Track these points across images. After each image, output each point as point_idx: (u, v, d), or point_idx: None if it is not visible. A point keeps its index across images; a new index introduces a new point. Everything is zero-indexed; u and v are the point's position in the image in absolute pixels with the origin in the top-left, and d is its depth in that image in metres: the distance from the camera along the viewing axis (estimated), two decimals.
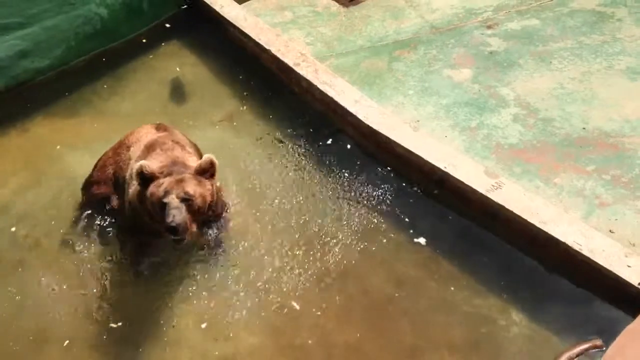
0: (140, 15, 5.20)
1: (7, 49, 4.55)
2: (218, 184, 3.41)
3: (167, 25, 5.30)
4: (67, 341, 3.21)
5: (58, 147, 4.22)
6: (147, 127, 3.68)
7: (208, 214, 3.32)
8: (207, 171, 3.19)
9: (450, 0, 5.40)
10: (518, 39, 4.85)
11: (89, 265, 3.53)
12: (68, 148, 4.12)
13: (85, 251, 3.60)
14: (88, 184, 3.76)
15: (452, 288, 3.35)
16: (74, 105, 4.63)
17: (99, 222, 3.70)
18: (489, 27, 5.04)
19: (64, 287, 3.43)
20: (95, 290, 3.42)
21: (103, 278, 3.47)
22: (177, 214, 2.98)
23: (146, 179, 3.13)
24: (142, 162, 3.13)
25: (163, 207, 3.03)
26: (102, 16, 4.95)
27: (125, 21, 5.14)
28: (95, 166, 3.76)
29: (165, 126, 3.70)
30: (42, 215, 3.80)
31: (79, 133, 4.13)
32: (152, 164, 3.16)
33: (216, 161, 3.20)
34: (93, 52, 5.04)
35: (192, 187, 3.09)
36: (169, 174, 3.13)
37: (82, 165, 3.89)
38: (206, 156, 3.21)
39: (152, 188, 3.10)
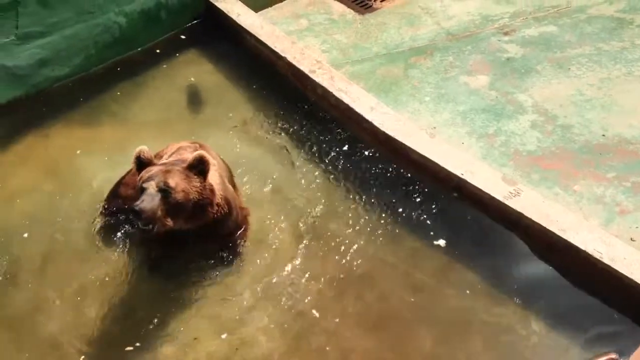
0: (158, 24, 5.25)
1: (28, 57, 4.62)
2: (243, 199, 3.46)
3: (183, 37, 5.34)
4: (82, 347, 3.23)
5: (77, 153, 4.26)
6: (184, 143, 3.62)
7: (199, 215, 3.20)
8: (196, 167, 3.13)
9: (466, 7, 5.40)
10: (535, 45, 4.83)
11: (107, 270, 3.54)
12: (87, 154, 4.16)
13: (103, 256, 3.62)
14: (113, 196, 3.75)
15: (471, 296, 3.32)
16: (93, 112, 4.67)
17: (117, 230, 3.72)
18: (505, 33, 5.02)
19: (81, 291, 3.45)
20: (112, 295, 3.43)
21: (121, 283, 3.49)
22: (148, 200, 2.93)
23: (142, 163, 3.15)
24: (142, 147, 3.17)
25: (142, 191, 3.00)
26: (120, 25, 5.01)
27: (143, 30, 5.19)
28: (121, 181, 3.74)
29: (203, 145, 3.61)
30: (61, 221, 3.83)
31: (97, 140, 4.17)
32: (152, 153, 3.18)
33: (208, 158, 3.13)
34: (112, 60, 5.09)
35: (175, 180, 3.03)
36: (164, 164, 3.14)
37: (100, 171, 3.93)
38: (196, 153, 3.16)
39: (142, 172, 3.11)
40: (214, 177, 3.32)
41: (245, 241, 3.65)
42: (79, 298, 3.43)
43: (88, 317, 3.34)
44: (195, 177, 3.13)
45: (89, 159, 4.10)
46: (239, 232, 3.63)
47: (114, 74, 5.02)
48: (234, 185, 3.74)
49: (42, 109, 4.68)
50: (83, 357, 3.16)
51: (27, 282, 3.52)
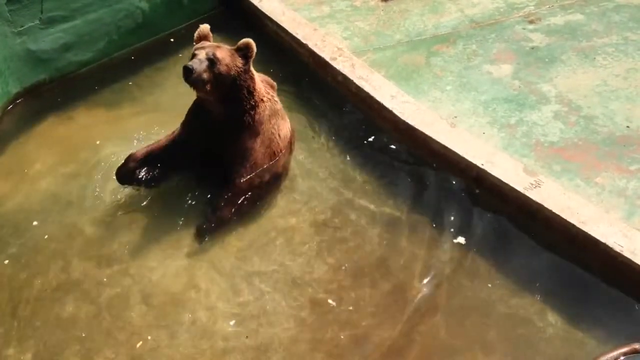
0: (180, 10, 5.27)
1: (52, 41, 4.68)
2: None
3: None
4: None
5: (98, 137, 4.31)
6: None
7: (234, 96, 3.61)
8: (242, 51, 3.56)
9: None
10: (561, 34, 4.74)
11: (126, 251, 3.60)
12: (108, 138, 4.21)
13: (123, 238, 3.68)
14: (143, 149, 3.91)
15: (488, 287, 3.30)
16: (115, 96, 4.73)
17: (136, 209, 3.80)
18: (530, 22, 4.93)
19: (103, 272, 3.51)
20: (132, 276, 3.48)
21: (139, 265, 3.54)
22: (197, 63, 3.40)
23: (200, 38, 3.68)
24: (205, 24, 3.72)
25: (193, 57, 3.48)
26: (143, 10, 5.04)
27: (166, 16, 5.22)
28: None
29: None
30: (82, 203, 3.89)
31: (119, 123, 4.21)
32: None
33: (253, 45, 3.54)
34: (133, 45, 5.13)
35: (222, 54, 3.49)
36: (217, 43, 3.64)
37: (121, 154, 3.95)
38: (245, 39, 3.58)
39: (198, 44, 3.61)
40: (258, 79, 3.77)
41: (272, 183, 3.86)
42: (96, 277, 3.49)
43: (100, 297, 3.40)
44: (240, 58, 3.56)
45: (110, 142, 4.15)
46: (269, 173, 3.84)
47: (135, 59, 5.07)
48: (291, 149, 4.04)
49: (65, 93, 4.76)
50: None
51: (45, 261, 3.58)
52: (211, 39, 3.70)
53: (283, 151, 3.94)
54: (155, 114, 4.23)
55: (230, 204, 3.68)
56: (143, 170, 3.81)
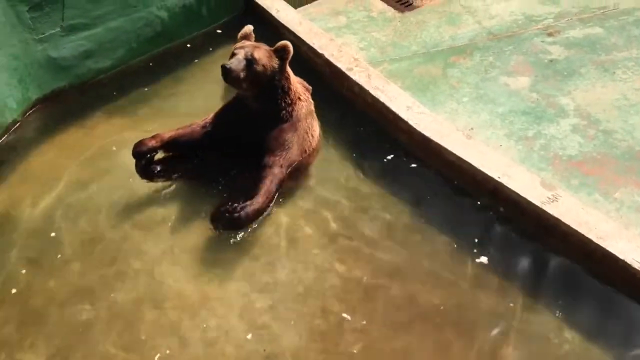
0: (198, 18, 5.32)
1: (72, 49, 4.73)
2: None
3: (219, 32, 5.40)
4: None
5: (116, 143, 4.35)
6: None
7: (270, 94, 3.79)
8: (279, 52, 3.73)
9: (509, 7, 5.30)
10: (580, 47, 4.71)
11: (141, 258, 3.62)
12: (125, 145, 4.22)
13: (139, 244, 3.69)
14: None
15: (504, 302, 3.26)
16: (133, 103, 4.76)
17: (152, 216, 3.82)
18: (549, 34, 4.90)
19: (118, 278, 3.52)
20: (146, 282, 3.49)
21: (154, 272, 3.55)
22: (236, 63, 3.57)
23: (241, 38, 3.89)
24: (249, 25, 3.94)
25: (232, 56, 3.66)
26: (162, 19, 5.09)
27: (184, 24, 5.26)
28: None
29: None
30: (99, 209, 3.92)
31: (136, 130, 4.23)
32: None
33: (290, 47, 3.71)
34: (152, 53, 5.18)
35: (260, 54, 3.66)
36: (257, 44, 3.81)
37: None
38: (283, 41, 3.75)
39: (238, 44, 3.80)
40: (295, 79, 3.95)
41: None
42: (108, 282, 3.50)
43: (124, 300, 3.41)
44: (276, 59, 3.72)
45: (127, 149, 4.17)
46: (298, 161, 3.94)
47: (153, 67, 5.11)
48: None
49: (84, 100, 4.80)
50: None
51: (62, 266, 3.61)
52: (252, 39, 3.89)
53: (312, 152, 4.03)
54: (172, 121, 4.25)
55: (266, 193, 3.68)
56: (162, 154, 4.00)
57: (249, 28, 3.93)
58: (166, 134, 3.97)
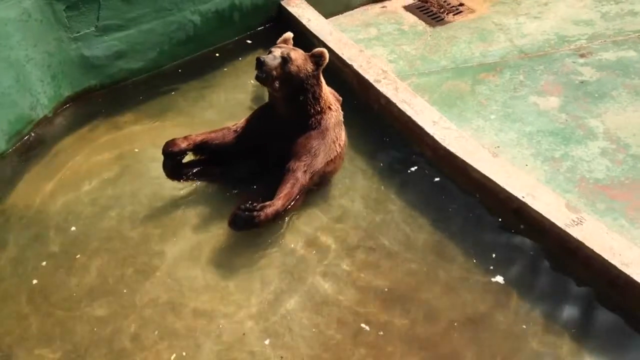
0: (230, 25, 5.37)
1: (105, 49, 4.82)
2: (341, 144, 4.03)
3: (249, 42, 5.44)
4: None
5: (142, 144, 4.41)
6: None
7: (300, 99, 3.80)
8: (315, 57, 3.77)
9: (542, 26, 5.26)
10: (612, 70, 4.64)
11: (161, 259, 3.65)
12: (151, 146, 4.29)
13: (159, 245, 3.73)
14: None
15: (523, 323, 3.21)
16: (161, 106, 4.82)
17: (174, 218, 3.86)
18: (581, 55, 4.85)
19: (137, 278, 3.55)
20: (165, 283, 3.52)
21: (172, 273, 3.57)
22: (271, 58, 3.63)
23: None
24: (289, 32, 4.02)
25: (268, 52, 3.71)
26: (195, 23, 5.15)
27: (216, 30, 5.32)
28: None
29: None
30: (122, 208, 3.98)
31: (163, 133, 4.28)
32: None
33: (327, 55, 3.76)
34: (183, 57, 5.24)
35: (295, 55, 3.71)
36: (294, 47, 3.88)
37: (160, 163, 4.03)
38: (320, 48, 3.82)
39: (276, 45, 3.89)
40: (327, 89, 4.00)
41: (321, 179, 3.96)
42: (132, 281, 3.54)
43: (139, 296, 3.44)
44: (311, 64, 3.76)
45: (152, 150, 4.23)
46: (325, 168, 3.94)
47: (183, 71, 5.16)
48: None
49: (114, 100, 4.87)
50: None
51: (83, 263, 3.66)
52: (291, 44, 3.95)
53: (338, 161, 4.03)
54: (198, 126, 4.29)
55: (287, 196, 3.66)
56: (192, 155, 3.98)
57: (289, 34, 4.00)
58: (198, 136, 3.96)
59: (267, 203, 3.56)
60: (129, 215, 3.92)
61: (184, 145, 3.89)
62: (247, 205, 3.52)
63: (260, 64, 3.57)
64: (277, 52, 3.69)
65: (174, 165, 3.97)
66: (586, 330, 3.14)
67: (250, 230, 3.56)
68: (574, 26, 5.21)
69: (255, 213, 3.49)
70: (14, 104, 4.35)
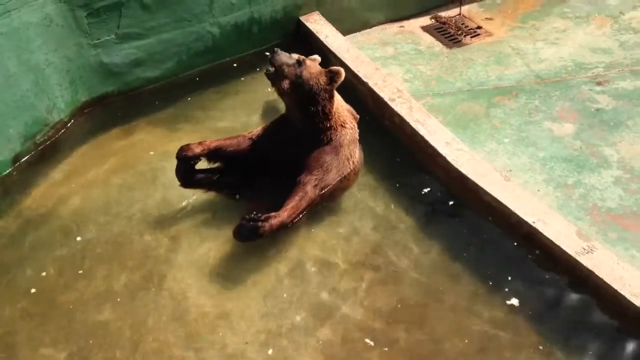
0: (248, 37, 5.42)
1: (124, 56, 4.88)
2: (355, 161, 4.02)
3: (267, 54, 5.46)
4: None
5: (155, 152, 4.45)
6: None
7: (311, 109, 3.78)
8: (330, 73, 3.76)
9: (560, 52, 5.25)
10: (629, 99, 4.62)
11: (168, 266, 3.65)
12: (164, 154, 4.32)
13: (167, 252, 3.74)
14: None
15: (530, 351, 3.16)
16: (176, 115, 4.86)
17: (183, 226, 3.86)
18: (598, 83, 4.83)
19: (143, 285, 3.56)
20: (170, 291, 3.51)
21: (178, 282, 3.57)
22: (287, 55, 3.72)
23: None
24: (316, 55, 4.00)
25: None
26: (214, 35, 5.21)
27: (234, 42, 5.37)
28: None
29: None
30: (132, 214, 4.00)
31: (175, 141, 4.30)
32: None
33: (342, 74, 3.75)
34: (200, 67, 5.29)
35: (311, 64, 3.77)
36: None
37: (171, 171, 4.04)
38: (338, 67, 3.82)
39: None
40: (343, 106, 4.05)
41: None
42: (138, 287, 3.54)
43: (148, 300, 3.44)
44: (326, 78, 3.76)
45: (164, 157, 4.26)
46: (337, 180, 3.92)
47: (200, 81, 5.22)
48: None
49: (130, 106, 4.93)
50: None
51: (90, 267, 3.68)
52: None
53: (350, 179, 4.01)
54: (212, 134, 4.32)
55: (294, 209, 3.62)
56: (206, 163, 3.98)
57: (316, 57, 3.98)
58: (213, 142, 3.94)
59: (273, 214, 3.53)
60: (138, 221, 3.94)
61: (198, 150, 3.88)
62: (252, 215, 3.50)
63: (273, 55, 3.66)
64: (295, 55, 3.74)
65: (186, 171, 3.95)
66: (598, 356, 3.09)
67: (254, 240, 3.52)
68: (591, 54, 5.20)
69: (260, 223, 3.46)
70: (31, 107, 4.41)
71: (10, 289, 3.55)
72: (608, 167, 4.05)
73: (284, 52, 3.72)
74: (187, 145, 3.90)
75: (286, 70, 3.67)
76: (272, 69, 3.70)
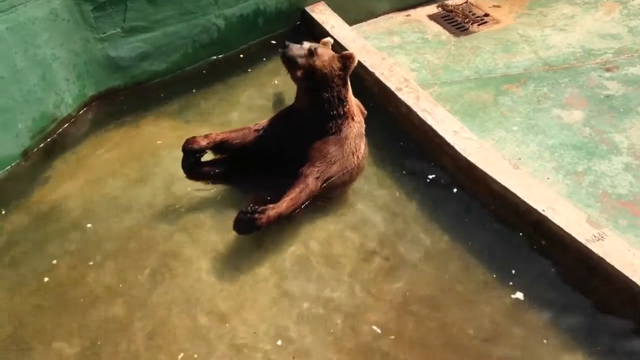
0: (254, 29, 5.40)
1: (130, 50, 4.87)
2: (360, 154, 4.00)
3: (273, 42, 5.46)
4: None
5: (163, 145, 4.45)
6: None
7: (322, 98, 3.78)
8: (343, 58, 3.75)
9: (568, 39, 5.20)
10: (639, 85, 4.57)
11: (178, 260, 3.66)
12: (172, 147, 4.32)
13: (177, 246, 3.75)
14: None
15: (539, 339, 3.15)
16: (182, 108, 4.86)
17: (192, 219, 3.87)
18: (607, 69, 4.78)
19: (153, 278, 3.57)
20: (180, 285, 3.53)
21: (188, 275, 3.58)
22: (297, 47, 3.69)
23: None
24: (328, 38, 4.01)
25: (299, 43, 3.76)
26: (219, 27, 5.19)
27: (240, 34, 5.35)
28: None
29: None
30: (141, 208, 4.01)
31: (182, 134, 4.30)
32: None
33: (355, 59, 3.75)
34: (205, 60, 5.29)
35: (323, 51, 3.75)
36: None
37: (179, 164, 4.05)
38: (351, 51, 3.82)
39: None
40: (354, 99, 4.01)
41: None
42: (147, 281, 3.56)
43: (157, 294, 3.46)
44: (339, 63, 3.75)
45: (171, 151, 4.26)
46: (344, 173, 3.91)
47: (206, 74, 5.20)
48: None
49: (136, 100, 4.92)
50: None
51: (101, 261, 3.69)
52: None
53: (355, 172, 3.99)
54: (219, 127, 4.32)
55: (293, 201, 3.60)
56: (212, 155, 3.99)
57: (328, 39, 4.00)
58: (219, 135, 3.94)
59: (270, 206, 3.51)
60: (146, 215, 3.95)
61: (204, 143, 3.88)
62: (249, 207, 3.48)
63: (284, 47, 3.65)
64: (306, 44, 3.72)
65: (192, 163, 3.95)
66: (608, 350, 3.08)
67: (253, 232, 3.52)
68: (600, 40, 5.15)
69: (257, 215, 3.44)
70: (39, 102, 4.42)
71: (21, 283, 3.57)
72: (618, 154, 4.02)
73: (294, 44, 3.69)
74: (193, 138, 3.90)
75: (299, 61, 3.67)
76: (285, 59, 3.71)
